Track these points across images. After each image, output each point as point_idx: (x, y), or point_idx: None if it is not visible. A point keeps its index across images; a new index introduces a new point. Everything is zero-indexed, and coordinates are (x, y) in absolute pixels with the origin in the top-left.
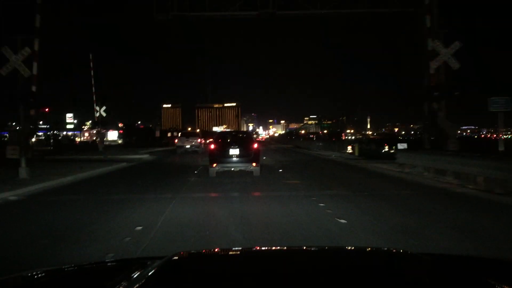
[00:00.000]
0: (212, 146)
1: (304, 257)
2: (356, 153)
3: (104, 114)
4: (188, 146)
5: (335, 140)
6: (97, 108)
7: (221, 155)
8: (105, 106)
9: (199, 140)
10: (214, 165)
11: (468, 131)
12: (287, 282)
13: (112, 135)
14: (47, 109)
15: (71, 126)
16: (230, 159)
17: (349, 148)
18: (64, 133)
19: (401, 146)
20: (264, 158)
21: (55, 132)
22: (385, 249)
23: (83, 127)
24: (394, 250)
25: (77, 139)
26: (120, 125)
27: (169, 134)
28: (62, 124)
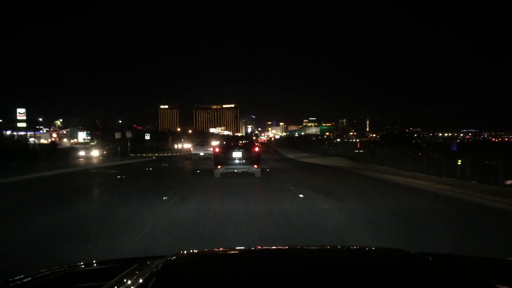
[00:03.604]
0: (217, 150)
1: (305, 257)
2: None
3: None
4: (202, 154)
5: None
6: None
7: (225, 158)
8: None
9: (211, 148)
10: (219, 167)
11: (470, 134)
12: (288, 281)
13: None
14: None
15: (23, 125)
16: (233, 162)
17: None
18: (12, 133)
19: None
20: None
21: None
22: (386, 248)
23: (50, 127)
24: (394, 250)
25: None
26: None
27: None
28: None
